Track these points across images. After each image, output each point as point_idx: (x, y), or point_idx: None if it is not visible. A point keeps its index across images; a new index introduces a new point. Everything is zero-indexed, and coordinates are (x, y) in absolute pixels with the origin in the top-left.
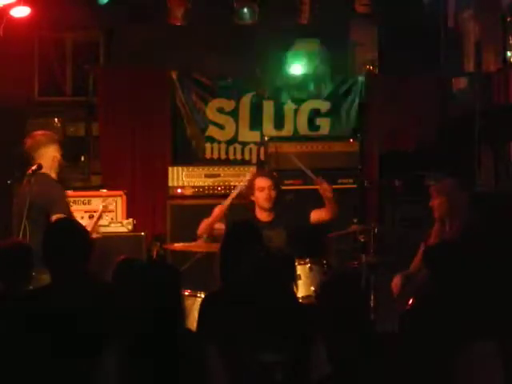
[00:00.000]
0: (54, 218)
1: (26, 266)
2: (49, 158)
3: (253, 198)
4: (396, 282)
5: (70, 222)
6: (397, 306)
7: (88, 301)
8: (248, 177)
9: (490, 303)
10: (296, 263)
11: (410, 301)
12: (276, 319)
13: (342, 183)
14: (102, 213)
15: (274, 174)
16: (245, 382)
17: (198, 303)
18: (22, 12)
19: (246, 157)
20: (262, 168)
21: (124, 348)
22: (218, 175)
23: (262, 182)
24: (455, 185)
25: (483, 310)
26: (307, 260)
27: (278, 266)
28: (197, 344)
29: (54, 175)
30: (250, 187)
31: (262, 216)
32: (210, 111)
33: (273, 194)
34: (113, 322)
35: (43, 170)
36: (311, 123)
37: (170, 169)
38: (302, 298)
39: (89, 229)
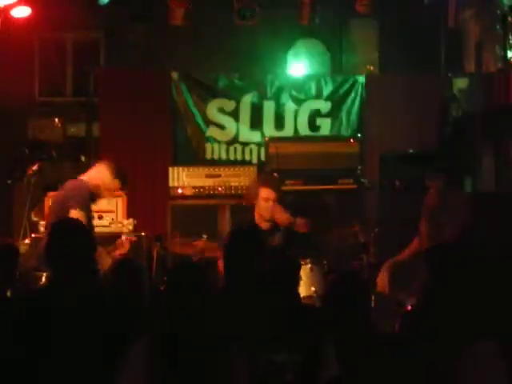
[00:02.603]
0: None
1: (9, 267)
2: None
3: (255, 203)
4: (382, 276)
5: (74, 223)
6: (389, 296)
7: (88, 301)
8: None
9: (490, 304)
10: None
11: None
12: (286, 320)
13: (342, 183)
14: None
15: (277, 182)
16: (255, 381)
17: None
18: (22, 12)
19: (247, 157)
20: (267, 175)
21: (150, 347)
22: (219, 175)
23: (268, 194)
24: (447, 185)
25: (484, 310)
26: (308, 260)
27: (284, 267)
28: (221, 343)
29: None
30: (255, 193)
31: (262, 224)
32: (211, 111)
33: (276, 205)
34: (115, 321)
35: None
36: (311, 123)
37: (170, 169)
38: (303, 298)
39: None
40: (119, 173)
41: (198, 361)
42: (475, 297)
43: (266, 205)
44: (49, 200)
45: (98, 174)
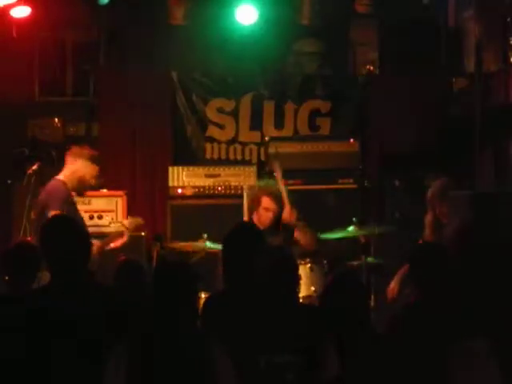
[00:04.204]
0: (51, 214)
1: (32, 266)
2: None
3: (255, 208)
4: (392, 288)
5: (67, 219)
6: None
7: (87, 301)
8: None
9: (484, 302)
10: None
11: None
12: (287, 319)
13: (342, 183)
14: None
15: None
16: (257, 382)
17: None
18: (22, 12)
19: (247, 157)
20: (267, 177)
21: (134, 347)
22: (219, 175)
23: (269, 204)
24: (447, 185)
25: (477, 308)
26: (308, 260)
27: (283, 266)
28: (207, 344)
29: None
30: (257, 200)
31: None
32: (210, 111)
33: (276, 214)
34: (114, 322)
35: (59, 176)
36: (311, 123)
37: (170, 169)
38: (303, 297)
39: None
40: (94, 157)
41: (182, 362)
42: (468, 296)
43: (266, 214)
44: None
45: (76, 166)
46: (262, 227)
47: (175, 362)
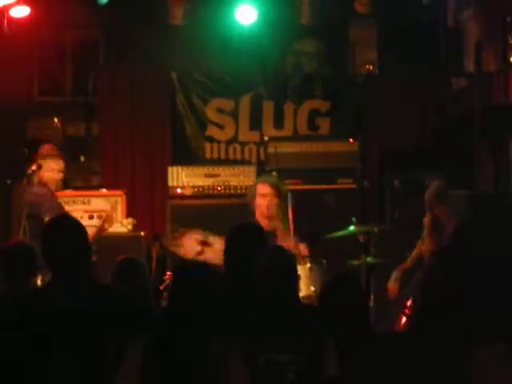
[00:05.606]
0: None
1: (28, 265)
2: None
3: (254, 203)
4: (392, 286)
5: (69, 220)
6: (396, 307)
7: (88, 301)
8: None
9: (497, 305)
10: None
11: (410, 301)
12: (287, 319)
13: (341, 183)
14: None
15: (276, 180)
16: (256, 381)
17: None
18: (21, 12)
19: (246, 157)
20: (266, 173)
21: (147, 348)
22: (218, 175)
23: (264, 189)
24: (444, 186)
25: (491, 312)
26: (307, 260)
27: (284, 266)
28: (220, 345)
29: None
30: (253, 191)
31: (263, 223)
32: (210, 111)
33: (274, 201)
34: (116, 321)
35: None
36: (311, 123)
37: (169, 169)
38: (302, 297)
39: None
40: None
41: (194, 363)
42: (482, 299)
43: (263, 201)
44: None
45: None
46: (263, 219)
47: (187, 362)
